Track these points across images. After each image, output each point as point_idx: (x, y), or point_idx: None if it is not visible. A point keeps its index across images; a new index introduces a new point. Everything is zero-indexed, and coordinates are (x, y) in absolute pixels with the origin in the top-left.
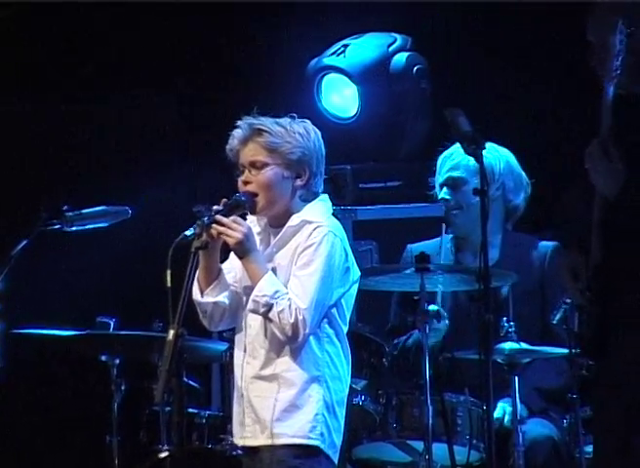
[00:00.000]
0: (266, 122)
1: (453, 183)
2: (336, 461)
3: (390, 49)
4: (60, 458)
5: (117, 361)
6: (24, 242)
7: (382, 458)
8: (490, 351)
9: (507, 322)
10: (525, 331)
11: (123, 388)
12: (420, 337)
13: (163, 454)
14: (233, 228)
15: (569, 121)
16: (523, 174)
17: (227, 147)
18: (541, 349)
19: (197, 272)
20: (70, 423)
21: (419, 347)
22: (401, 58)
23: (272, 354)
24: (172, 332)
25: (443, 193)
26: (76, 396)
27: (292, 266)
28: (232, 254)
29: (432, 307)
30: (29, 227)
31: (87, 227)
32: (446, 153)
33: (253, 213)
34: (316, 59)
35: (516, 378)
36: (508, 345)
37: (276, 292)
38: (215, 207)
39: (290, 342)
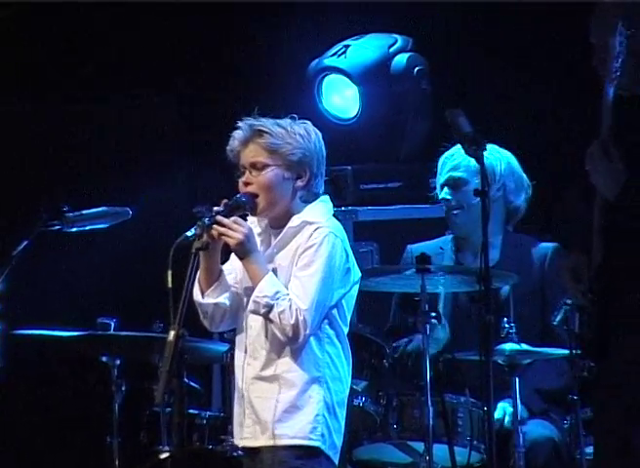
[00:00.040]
0: (267, 123)
1: (453, 183)
2: (336, 462)
3: (391, 50)
4: (61, 459)
5: (118, 361)
6: (25, 242)
7: (383, 459)
8: (490, 352)
9: (508, 323)
10: (525, 331)
11: (123, 389)
12: (419, 345)
13: (163, 455)
14: (234, 229)
15: (569, 121)
16: (524, 175)
17: (228, 148)
18: (542, 350)
19: (198, 273)
20: (71, 424)
21: (418, 355)
22: (402, 59)
23: (273, 355)
24: (172, 333)
25: (444, 193)
26: (76, 396)
27: (292, 267)
28: (233, 256)
29: (434, 320)
30: (30, 228)
31: (87, 228)
32: (447, 154)
33: (253, 214)
34: (317, 60)
35: (517, 379)
36: (509, 346)
37: (277, 292)
38: (215, 208)
39: (290, 343)
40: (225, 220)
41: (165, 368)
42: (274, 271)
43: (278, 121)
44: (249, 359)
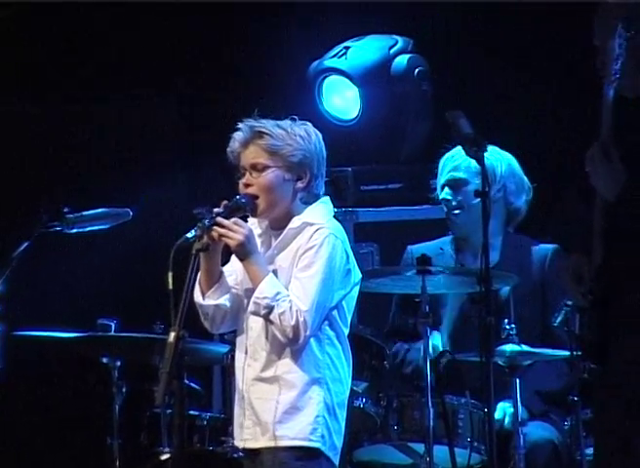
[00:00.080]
0: (267, 124)
1: (454, 184)
2: (336, 463)
3: (392, 51)
4: (61, 460)
5: (118, 363)
6: (25, 244)
7: (383, 461)
8: (491, 353)
9: (508, 324)
10: (526, 333)
11: (124, 390)
12: (418, 357)
13: (164, 456)
14: (234, 230)
15: (569, 121)
16: (525, 178)
17: (228, 150)
18: (543, 351)
19: (198, 274)
20: (71, 425)
21: (416, 367)
22: (402, 61)
23: (273, 356)
24: (173, 335)
25: (444, 193)
26: (77, 398)
27: (293, 268)
28: (233, 257)
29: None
30: (30, 229)
31: (87, 229)
32: (448, 155)
33: (254, 215)
34: (317, 62)
35: (517, 381)
36: (509, 347)
37: (277, 293)
38: (215, 209)
39: (291, 344)
40: (225, 222)
41: (165, 369)
42: (275, 272)
43: (278, 122)
44: (249, 360)
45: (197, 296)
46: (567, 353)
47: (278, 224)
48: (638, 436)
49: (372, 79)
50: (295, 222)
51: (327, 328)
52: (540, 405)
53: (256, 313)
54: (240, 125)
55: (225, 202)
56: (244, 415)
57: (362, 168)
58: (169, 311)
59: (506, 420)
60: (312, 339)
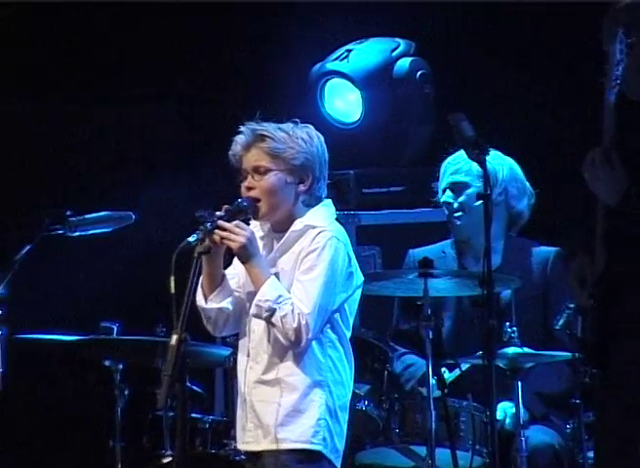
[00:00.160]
0: (269, 127)
1: (455, 187)
2: (338, 466)
3: (394, 54)
4: (64, 463)
5: (120, 366)
6: (28, 247)
7: (385, 464)
8: (493, 356)
9: (510, 327)
10: (528, 336)
11: (126, 393)
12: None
13: (166, 459)
14: (236, 233)
15: (569, 121)
16: (527, 182)
17: (230, 153)
18: (545, 353)
19: (201, 278)
20: (73, 428)
21: (414, 388)
22: (404, 64)
23: (275, 359)
24: (175, 337)
25: (446, 196)
26: (79, 400)
27: (295, 271)
28: (236, 260)
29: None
30: (32, 232)
31: (90, 232)
32: (450, 158)
33: (255, 218)
34: (319, 64)
35: (519, 383)
36: (511, 350)
37: (279, 296)
38: (217, 212)
39: (293, 347)
40: (227, 225)
41: (168, 372)
42: (277, 275)
43: (280, 125)
44: (251, 363)
45: (199, 300)
46: (569, 355)
47: (280, 227)
48: (638, 436)
49: (374, 82)
50: (297, 225)
51: (329, 330)
52: (542, 407)
53: (258, 316)
54: (242, 128)
55: (226, 205)
56: (246, 418)
57: (364, 171)
58: (171, 314)
59: (507, 421)
60: (314, 342)
